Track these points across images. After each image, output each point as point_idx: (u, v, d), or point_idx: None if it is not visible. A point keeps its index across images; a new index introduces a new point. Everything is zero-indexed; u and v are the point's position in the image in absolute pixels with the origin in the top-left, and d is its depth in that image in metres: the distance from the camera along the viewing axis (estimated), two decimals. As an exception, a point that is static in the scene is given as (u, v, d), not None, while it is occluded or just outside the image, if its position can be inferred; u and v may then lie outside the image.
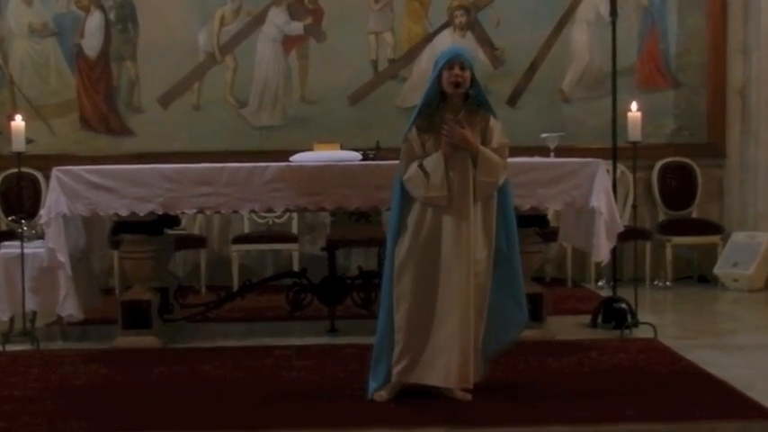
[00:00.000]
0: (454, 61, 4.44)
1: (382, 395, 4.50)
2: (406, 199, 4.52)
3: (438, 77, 4.46)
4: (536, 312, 5.89)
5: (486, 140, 4.50)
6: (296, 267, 7.55)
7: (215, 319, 6.54)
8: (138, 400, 4.63)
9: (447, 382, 4.47)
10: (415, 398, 4.47)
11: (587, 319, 6.42)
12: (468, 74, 4.45)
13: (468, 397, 4.51)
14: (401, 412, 4.34)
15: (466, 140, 4.42)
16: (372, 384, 4.55)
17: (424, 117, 4.52)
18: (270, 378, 5.03)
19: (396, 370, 4.51)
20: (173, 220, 6.25)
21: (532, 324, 5.82)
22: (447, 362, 4.44)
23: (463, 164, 4.45)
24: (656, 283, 8.13)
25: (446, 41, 8.33)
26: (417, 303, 4.46)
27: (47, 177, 6.85)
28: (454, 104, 4.51)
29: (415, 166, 4.46)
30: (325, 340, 5.98)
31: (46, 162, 7.33)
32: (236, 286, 7.57)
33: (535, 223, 5.96)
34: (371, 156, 6.09)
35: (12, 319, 6.05)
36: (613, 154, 6.33)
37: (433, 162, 4.43)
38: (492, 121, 4.53)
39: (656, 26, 8.43)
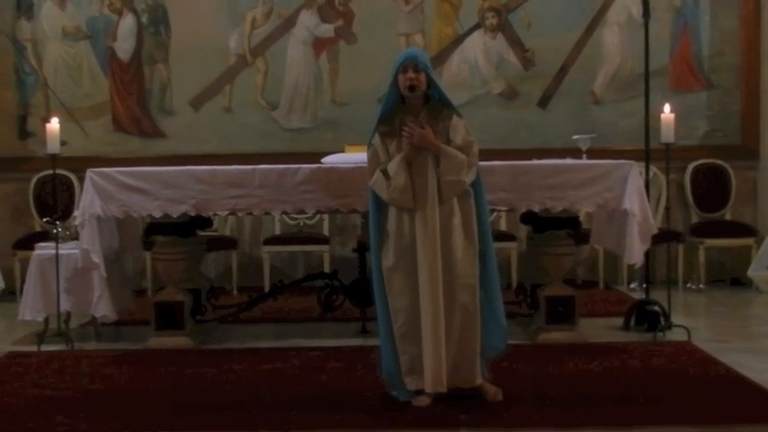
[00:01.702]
0: (407, 64, 4.43)
1: (425, 400, 4.46)
2: (381, 206, 4.50)
3: (395, 82, 4.46)
4: (568, 315, 5.91)
5: (450, 140, 4.46)
6: (327, 269, 7.56)
7: (246, 320, 6.57)
8: (171, 401, 4.66)
9: (426, 387, 4.43)
10: (446, 399, 4.46)
11: (619, 321, 6.38)
12: (422, 76, 4.43)
13: (500, 398, 4.50)
14: (430, 414, 4.34)
15: (426, 140, 4.39)
16: (396, 393, 4.52)
17: (386, 122, 4.51)
18: (301, 379, 5.04)
19: (408, 379, 4.49)
20: (205, 222, 6.29)
21: (563, 326, 5.87)
22: (426, 366, 4.42)
23: (426, 164, 4.42)
24: (688, 285, 8.06)
25: (476, 43, 8.34)
26: (412, 310, 4.42)
27: (80, 179, 6.94)
28: (414, 107, 4.49)
29: (378, 170, 4.45)
30: (356, 342, 5.99)
31: (80, 164, 7.41)
32: (267, 287, 7.60)
33: (567, 225, 5.95)
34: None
35: (46, 320, 6.11)
36: (646, 156, 6.29)
37: (395, 165, 4.41)
38: (455, 120, 4.49)
39: (688, 27, 8.36)
